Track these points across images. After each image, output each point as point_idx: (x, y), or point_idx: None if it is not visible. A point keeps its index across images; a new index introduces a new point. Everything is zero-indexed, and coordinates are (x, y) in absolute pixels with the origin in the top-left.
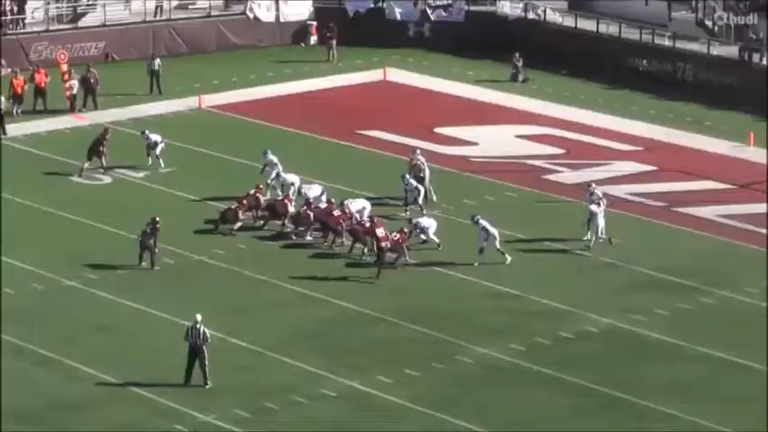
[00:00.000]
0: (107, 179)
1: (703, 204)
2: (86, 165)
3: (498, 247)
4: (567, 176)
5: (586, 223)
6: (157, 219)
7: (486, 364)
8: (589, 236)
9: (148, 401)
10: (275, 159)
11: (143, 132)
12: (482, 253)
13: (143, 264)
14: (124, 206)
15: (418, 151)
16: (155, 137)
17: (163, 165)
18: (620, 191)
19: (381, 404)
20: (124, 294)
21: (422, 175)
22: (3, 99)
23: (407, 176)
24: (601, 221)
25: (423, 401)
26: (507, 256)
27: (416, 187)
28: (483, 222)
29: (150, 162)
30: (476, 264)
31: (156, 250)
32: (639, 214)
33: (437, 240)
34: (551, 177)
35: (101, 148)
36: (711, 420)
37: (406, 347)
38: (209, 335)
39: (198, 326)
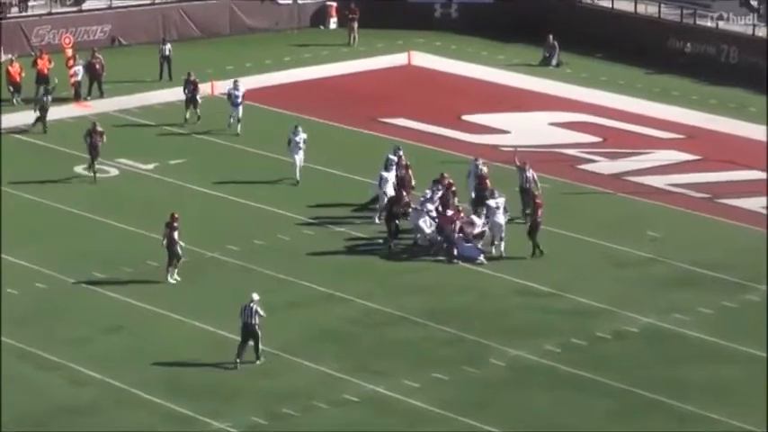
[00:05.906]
0: (114, 171)
1: (748, 195)
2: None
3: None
4: (605, 166)
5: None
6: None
7: (519, 366)
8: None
9: (159, 407)
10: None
11: (236, 82)
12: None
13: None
14: (132, 199)
15: (400, 149)
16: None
17: (239, 130)
18: (661, 181)
19: (408, 410)
20: (133, 294)
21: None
22: None
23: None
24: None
25: (452, 407)
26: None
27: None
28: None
29: (230, 123)
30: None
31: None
32: (681, 206)
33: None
34: (587, 167)
35: None
36: (756, 425)
37: (434, 349)
38: (262, 314)
39: (251, 305)
